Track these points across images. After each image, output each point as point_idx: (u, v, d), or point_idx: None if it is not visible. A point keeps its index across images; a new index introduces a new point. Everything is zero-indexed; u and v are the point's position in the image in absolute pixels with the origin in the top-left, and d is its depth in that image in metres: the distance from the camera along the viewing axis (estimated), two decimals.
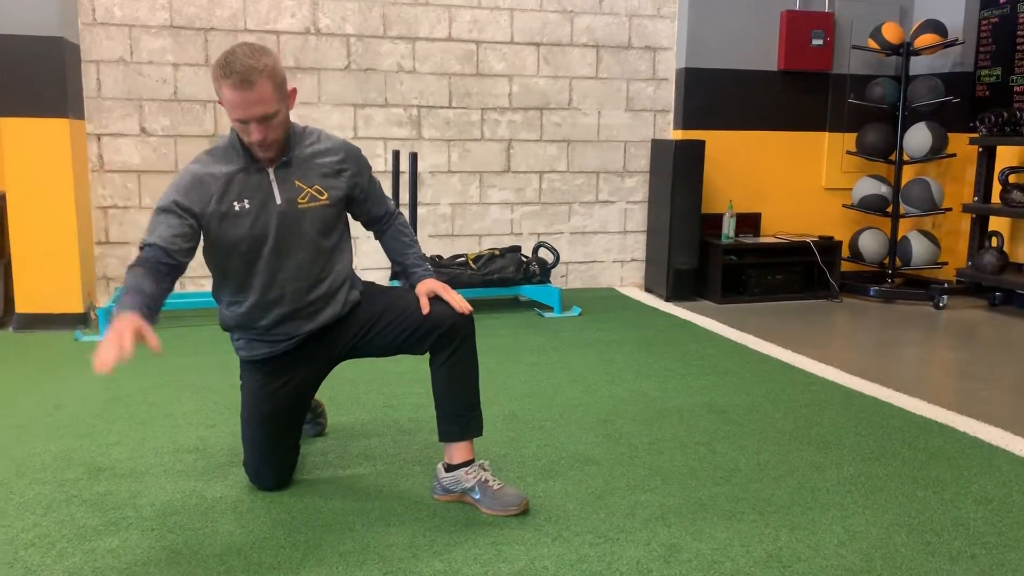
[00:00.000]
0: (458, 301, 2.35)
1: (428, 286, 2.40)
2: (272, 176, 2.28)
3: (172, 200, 2.20)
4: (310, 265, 2.34)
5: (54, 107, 4.27)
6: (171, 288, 2.18)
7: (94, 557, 2.08)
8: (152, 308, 2.06)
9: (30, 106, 4.23)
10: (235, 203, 2.24)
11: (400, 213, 2.59)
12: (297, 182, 2.29)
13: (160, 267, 2.14)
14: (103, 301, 4.69)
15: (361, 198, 2.46)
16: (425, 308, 2.33)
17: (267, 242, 2.28)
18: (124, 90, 4.74)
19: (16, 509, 2.33)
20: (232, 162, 2.26)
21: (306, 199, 2.30)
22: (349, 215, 2.49)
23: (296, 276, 2.33)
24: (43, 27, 4.20)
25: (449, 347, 2.33)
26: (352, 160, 2.42)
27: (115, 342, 1.85)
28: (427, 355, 2.40)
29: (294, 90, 2.27)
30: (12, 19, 4.16)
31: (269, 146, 2.22)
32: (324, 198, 2.33)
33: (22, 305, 4.37)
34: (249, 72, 2.09)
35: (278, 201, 2.27)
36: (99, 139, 4.74)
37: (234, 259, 2.30)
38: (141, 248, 2.17)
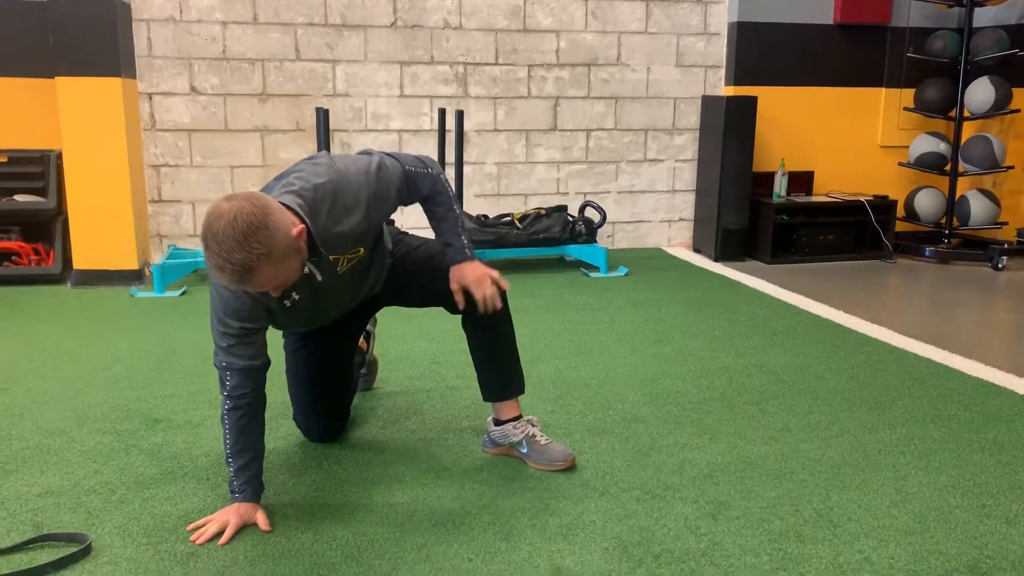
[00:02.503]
0: (489, 296, 2.22)
1: (459, 276, 2.24)
2: (307, 268, 2.04)
3: (238, 327, 2.00)
4: (353, 295, 2.31)
5: (107, 66, 4.32)
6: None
7: (152, 504, 2.14)
8: (261, 470, 2.11)
9: (84, 65, 4.29)
10: (285, 301, 2.08)
11: (438, 180, 2.25)
12: (332, 257, 2.07)
13: (258, 398, 2.07)
14: (157, 258, 4.78)
15: (403, 204, 2.25)
16: (460, 303, 2.25)
17: (322, 313, 2.25)
18: (174, 49, 4.77)
19: (78, 457, 2.40)
20: None
21: (344, 263, 2.12)
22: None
23: (347, 302, 2.32)
24: None
25: (481, 315, 2.32)
26: (375, 206, 2.09)
27: (220, 527, 1.99)
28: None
29: (301, 230, 1.84)
30: None
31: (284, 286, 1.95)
32: (360, 252, 2.16)
33: (79, 262, 4.48)
34: (245, 269, 1.74)
35: (319, 278, 2.08)
36: (151, 98, 4.79)
37: (290, 333, 2.42)
38: (225, 375, 2.04)
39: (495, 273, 2.25)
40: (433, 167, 2.24)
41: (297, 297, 2.09)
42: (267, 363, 2.08)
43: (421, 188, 2.21)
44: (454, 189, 2.54)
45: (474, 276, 2.22)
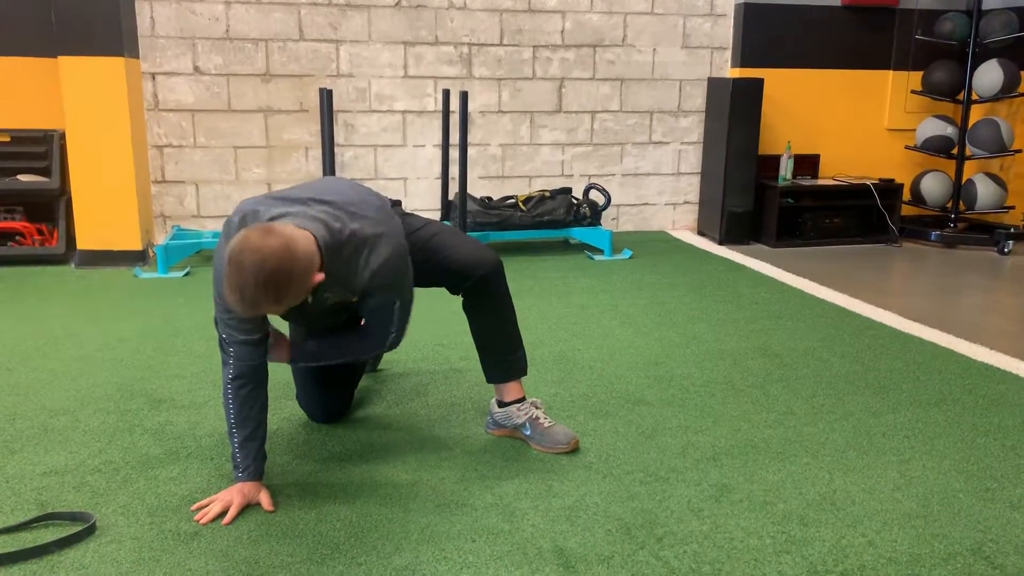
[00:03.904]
0: None
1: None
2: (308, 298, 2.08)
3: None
4: (342, 316, 2.31)
5: (110, 46, 4.30)
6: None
7: (156, 484, 2.14)
8: (264, 448, 2.10)
9: (87, 45, 4.27)
10: None
11: (391, 341, 2.22)
12: (326, 294, 2.08)
13: (260, 368, 2.08)
14: (161, 239, 4.78)
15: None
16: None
17: (314, 320, 2.27)
18: (177, 28, 4.74)
19: (82, 437, 2.41)
20: None
21: (335, 299, 2.12)
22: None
23: (330, 321, 2.32)
24: None
25: (480, 295, 2.31)
26: (378, 286, 2.09)
27: (224, 507, 1.99)
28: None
29: (321, 279, 1.91)
30: None
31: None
32: (354, 300, 2.15)
33: (83, 242, 4.47)
34: (253, 306, 1.81)
35: (308, 300, 2.09)
36: (154, 78, 4.77)
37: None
38: (228, 347, 2.05)
39: None
40: (395, 339, 2.22)
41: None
42: (266, 335, 2.09)
43: (384, 321, 2.17)
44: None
45: None
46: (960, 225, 5.49)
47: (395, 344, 2.22)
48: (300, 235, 1.87)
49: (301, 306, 2.10)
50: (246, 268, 1.75)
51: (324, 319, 2.28)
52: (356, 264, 2.03)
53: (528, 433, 2.36)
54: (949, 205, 5.48)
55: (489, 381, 2.42)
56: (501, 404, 2.40)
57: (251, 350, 2.06)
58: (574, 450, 2.34)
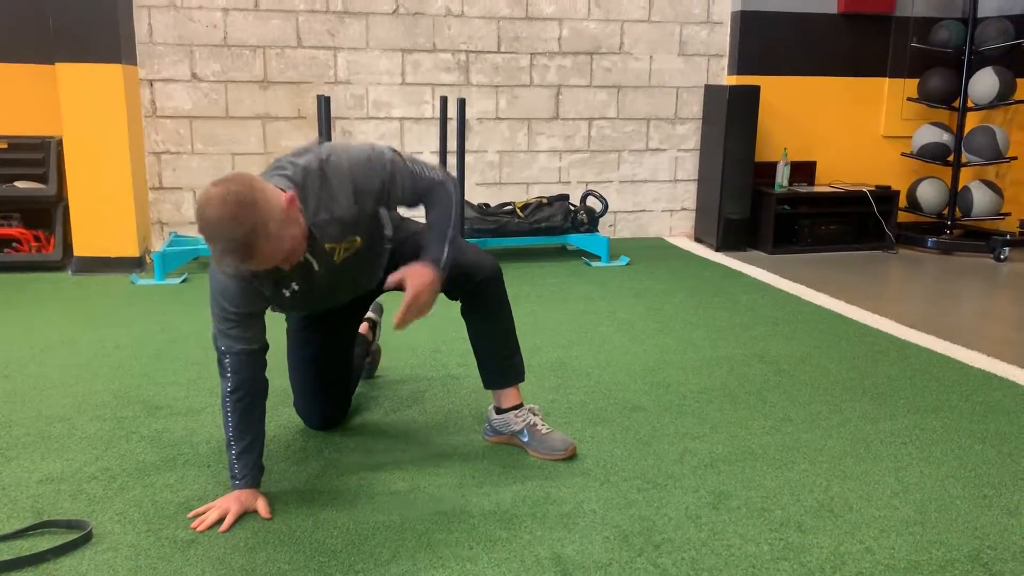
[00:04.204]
0: (402, 314, 2.04)
1: (409, 272, 2.08)
2: (305, 256, 2.03)
3: (234, 311, 2.01)
4: (353, 287, 2.30)
5: (108, 53, 4.30)
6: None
7: (153, 491, 2.14)
8: (262, 456, 2.10)
9: (85, 52, 4.27)
10: (284, 291, 2.08)
11: (441, 187, 2.14)
12: (327, 245, 2.06)
13: (259, 380, 2.07)
14: (158, 245, 4.78)
15: (393, 202, 2.16)
16: (389, 284, 2.11)
17: (322, 303, 2.27)
18: (175, 35, 4.75)
19: (79, 444, 2.40)
20: None
21: (341, 252, 2.10)
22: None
23: (349, 291, 2.31)
24: None
25: (479, 301, 2.31)
26: (362, 193, 2.04)
27: (221, 514, 1.98)
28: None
29: (291, 197, 1.84)
30: None
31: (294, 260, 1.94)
32: (358, 242, 2.12)
33: (80, 249, 4.47)
34: (245, 247, 1.75)
35: (316, 268, 2.08)
36: (151, 84, 4.77)
37: (292, 317, 2.44)
38: (224, 357, 2.04)
39: (431, 307, 2.10)
40: (441, 175, 2.15)
41: (297, 288, 2.09)
42: (265, 347, 2.08)
43: (417, 188, 2.11)
44: (460, 200, 2.42)
45: (419, 283, 2.05)
46: (956, 232, 5.50)
47: (452, 182, 2.15)
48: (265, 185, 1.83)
49: (316, 280, 2.08)
50: (213, 217, 1.73)
51: (347, 284, 2.22)
52: (329, 186, 1.98)
53: (526, 440, 2.36)
54: (945, 212, 5.49)
55: (487, 387, 2.42)
56: (499, 410, 2.40)
57: (251, 361, 2.04)
58: (571, 457, 2.34)
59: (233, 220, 1.72)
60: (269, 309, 2.13)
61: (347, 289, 2.28)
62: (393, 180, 2.07)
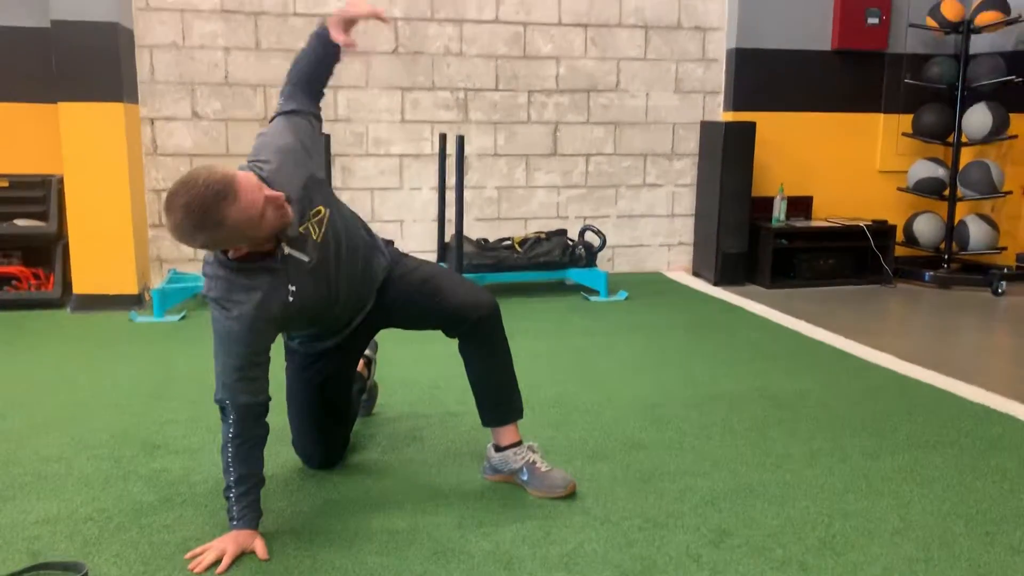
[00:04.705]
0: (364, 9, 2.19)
1: (340, 12, 2.21)
2: (287, 251, 2.05)
3: (243, 353, 2.03)
4: (353, 267, 2.26)
5: (109, 92, 4.34)
6: None
7: (150, 532, 2.12)
8: (260, 498, 2.09)
9: (86, 91, 4.31)
10: (289, 296, 2.07)
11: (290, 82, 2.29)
12: (300, 229, 2.07)
13: (260, 430, 2.08)
14: (157, 282, 4.78)
15: (309, 131, 2.24)
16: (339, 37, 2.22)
17: (327, 304, 2.21)
18: (176, 74, 4.80)
19: (75, 484, 2.39)
20: (256, 285, 2.03)
21: (316, 230, 2.11)
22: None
23: (348, 287, 2.26)
24: (99, 13, 4.27)
25: (477, 338, 2.32)
26: (274, 150, 2.16)
27: (218, 555, 1.97)
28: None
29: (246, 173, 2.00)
30: (69, 5, 4.24)
31: (286, 210, 2.00)
32: (323, 211, 2.13)
33: (79, 286, 4.47)
34: (214, 195, 1.89)
35: (307, 259, 2.09)
36: (152, 123, 4.81)
37: (294, 357, 2.44)
38: (227, 408, 2.04)
39: (380, 10, 2.22)
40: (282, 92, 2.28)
41: (294, 289, 2.07)
42: (268, 400, 2.08)
43: (294, 100, 2.24)
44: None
45: (341, 10, 2.19)
46: (954, 266, 5.52)
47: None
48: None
49: (313, 272, 2.09)
50: (183, 182, 1.91)
51: (340, 276, 2.19)
52: (262, 158, 2.13)
53: (525, 478, 2.35)
54: (942, 246, 5.51)
55: (485, 425, 2.41)
56: (498, 448, 2.39)
57: (254, 413, 2.04)
58: (571, 494, 2.33)
59: (202, 219, 1.87)
60: (280, 336, 2.12)
61: (345, 281, 2.22)
62: (287, 111, 2.22)
